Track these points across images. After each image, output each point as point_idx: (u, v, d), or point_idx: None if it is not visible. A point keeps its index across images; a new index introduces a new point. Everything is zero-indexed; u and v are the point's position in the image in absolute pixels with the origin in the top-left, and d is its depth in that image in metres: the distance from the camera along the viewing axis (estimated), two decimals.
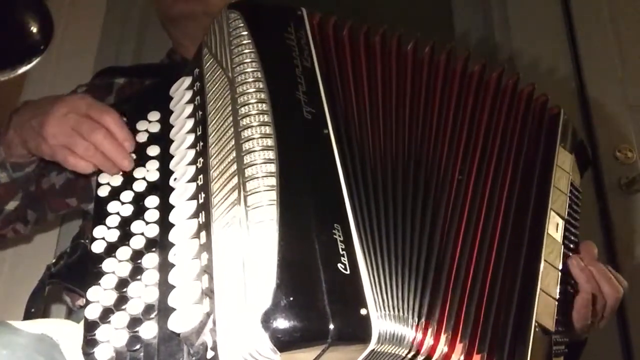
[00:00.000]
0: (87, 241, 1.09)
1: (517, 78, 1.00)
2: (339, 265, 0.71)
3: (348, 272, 0.71)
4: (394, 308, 0.72)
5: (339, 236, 0.73)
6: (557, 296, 0.85)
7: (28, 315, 1.00)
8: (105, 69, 1.36)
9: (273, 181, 0.75)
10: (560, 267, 0.88)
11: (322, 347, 0.67)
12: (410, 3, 2.06)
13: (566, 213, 0.93)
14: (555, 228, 0.90)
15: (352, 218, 0.76)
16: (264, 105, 0.82)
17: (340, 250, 0.72)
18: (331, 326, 0.67)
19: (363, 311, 0.69)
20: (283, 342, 0.66)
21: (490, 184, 0.88)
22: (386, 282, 0.74)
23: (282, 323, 0.66)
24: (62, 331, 0.85)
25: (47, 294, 1.05)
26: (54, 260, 1.08)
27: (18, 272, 1.44)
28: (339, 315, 0.68)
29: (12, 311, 1.34)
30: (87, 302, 0.82)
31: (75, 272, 1.03)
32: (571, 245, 0.93)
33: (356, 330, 0.69)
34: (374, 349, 0.70)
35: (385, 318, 0.71)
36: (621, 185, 1.64)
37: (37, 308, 1.05)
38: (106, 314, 0.81)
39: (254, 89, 0.83)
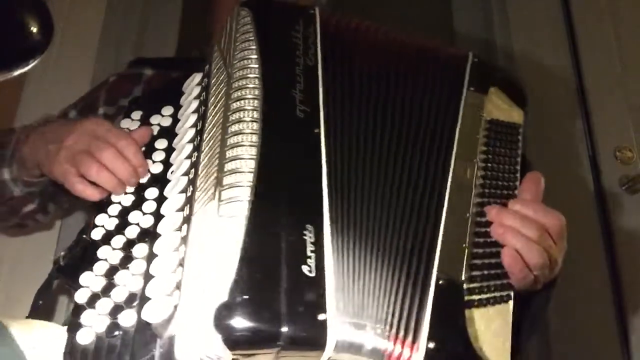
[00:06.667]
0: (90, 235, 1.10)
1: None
2: (304, 267, 0.70)
3: (313, 274, 0.69)
4: (355, 315, 0.70)
5: (310, 237, 0.72)
6: (468, 242, 0.80)
7: (35, 308, 1.01)
8: (136, 59, 1.37)
9: (250, 177, 0.75)
10: (472, 211, 0.83)
11: (274, 350, 0.66)
12: (411, 1, 2.06)
13: (478, 155, 0.88)
14: (465, 173, 0.86)
15: (328, 220, 0.74)
16: (256, 101, 0.82)
17: (309, 251, 0.71)
18: (284, 329, 0.65)
19: (321, 316, 0.67)
20: (233, 340, 0.65)
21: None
22: (353, 288, 0.71)
23: (234, 321, 0.65)
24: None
25: (54, 288, 1.06)
26: (62, 254, 1.08)
27: (18, 272, 1.44)
28: (294, 319, 0.66)
29: (13, 311, 1.34)
30: (80, 287, 0.84)
31: (76, 268, 1.04)
32: (499, 182, 0.88)
33: (311, 336, 0.67)
34: (331, 357, 0.68)
35: (345, 325, 0.69)
36: (621, 185, 1.64)
37: (45, 301, 1.06)
38: (93, 299, 0.82)
39: (249, 86, 0.83)
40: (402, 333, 0.71)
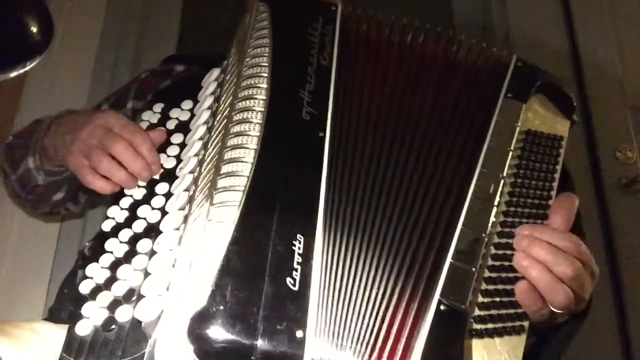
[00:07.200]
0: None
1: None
2: (288, 279, 0.66)
3: (296, 288, 0.66)
4: (335, 334, 0.66)
5: (299, 248, 0.68)
6: (480, 265, 0.73)
7: (61, 297, 1.01)
8: (171, 56, 1.38)
9: (244, 181, 0.72)
10: (491, 231, 0.76)
11: None
12: None
13: (506, 170, 0.81)
14: (487, 189, 0.78)
15: (321, 232, 0.70)
16: (261, 102, 0.79)
17: (295, 263, 0.67)
18: (258, 343, 0.63)
19: (299, 333, 0.64)
20: (205, 351, 0.63)
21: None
22: (338, 306, 0.68)
23: (208, 331, 0.63)
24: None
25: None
26: (87, 244, 1.09)
27: (18, 272, 1.44)
28: (270, 334, 0.63)
29: (13, 311, 1.34)
30: (85, 277, 0.84)
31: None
32: (528, 200, 0.81)
33: (286, 352, 0.64)
34: None
35: (323, 344, 0.65)
36: (621, 185, 1.64)
37: (69, 290, 1.06)
38: (95, 291, 0.82)
39: (257, 85, 0.81)
40: (385, 358, 0.67)
